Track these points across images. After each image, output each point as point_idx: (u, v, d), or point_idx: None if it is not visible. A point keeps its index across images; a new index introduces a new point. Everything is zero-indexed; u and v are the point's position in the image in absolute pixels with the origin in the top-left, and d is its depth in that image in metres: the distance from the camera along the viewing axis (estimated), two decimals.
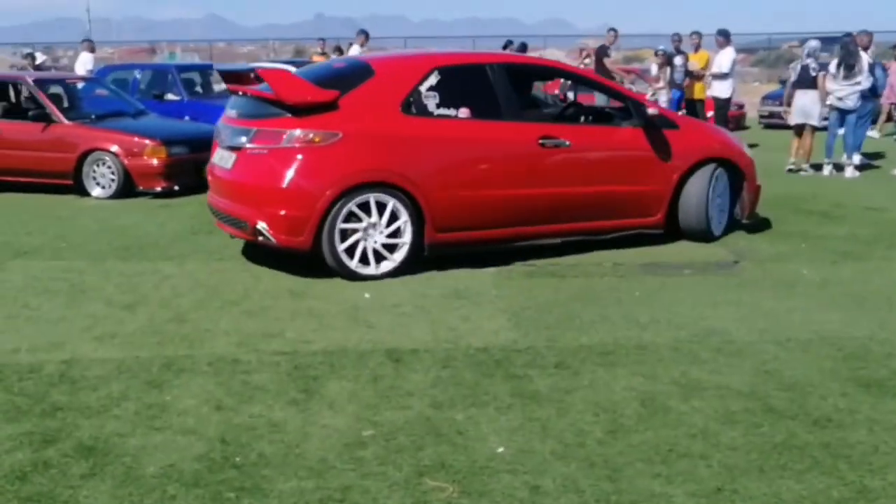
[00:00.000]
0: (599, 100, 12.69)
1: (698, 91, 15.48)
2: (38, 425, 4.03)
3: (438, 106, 6.75)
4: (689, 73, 15.38)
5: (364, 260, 6.51)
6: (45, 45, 40.42)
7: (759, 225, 8.52)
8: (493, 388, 4.45)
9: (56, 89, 12.39)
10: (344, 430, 3.96)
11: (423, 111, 6.70)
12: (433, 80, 6.76)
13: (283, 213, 6.40)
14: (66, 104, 12.14)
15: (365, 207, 6.44)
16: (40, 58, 20.78)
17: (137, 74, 16.41)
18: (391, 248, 6.58)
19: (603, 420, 4.06)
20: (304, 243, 6.43)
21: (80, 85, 13.24)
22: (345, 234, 6.44)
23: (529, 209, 6.99)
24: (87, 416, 4.13)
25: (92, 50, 18.83)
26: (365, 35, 18.38)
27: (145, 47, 53.12)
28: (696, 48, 15.95)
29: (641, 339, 5.20)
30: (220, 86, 16.77)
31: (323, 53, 21.16)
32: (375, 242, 6.52)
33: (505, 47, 21.00)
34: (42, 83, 11.97)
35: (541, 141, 6.97)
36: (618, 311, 5.74)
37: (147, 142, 10.89)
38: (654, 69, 16.04)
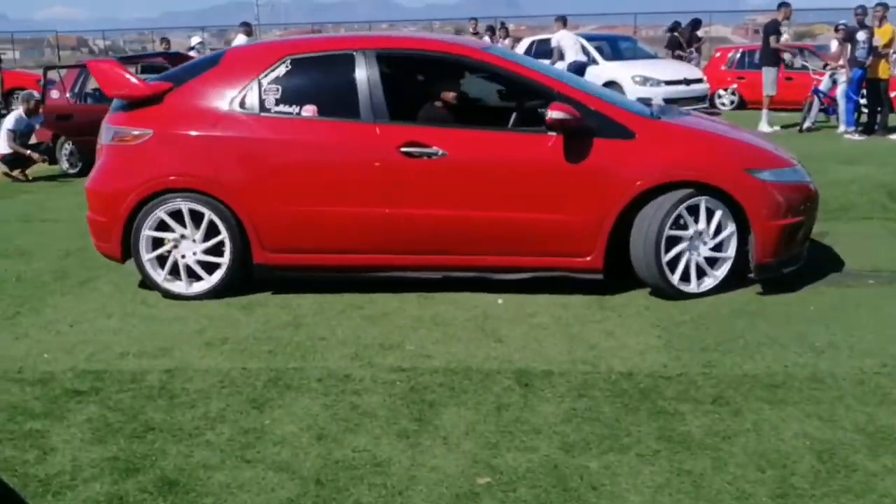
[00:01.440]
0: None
1: (882, 70, 14.01)
2: (124, 449, 3.66)
3: (279, 102, 5.61)
4: (872, 50, 13.94)
5: (179, 274, 5.72)
6: (220, 28, 41.70)
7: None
8: (636, 427, 3.78)
9: None
10: (456, 475, 3.39)
11: (261, 108, 5.62)
12: (281, 71, 5.66)
13: (91, 216, 5.88)
14: None
15: (180, 217, 5.66)
16: (195, 41, 21.13)
17: None
18: (212, 266, 5.72)
19: (770, 479, 3.32)
20: (111, 250, 5.82)
21: None
22: (159, 245, 5.71)
23: (389, 234, 5.52)
24: (178, 439, 3.74)
25: (249, 34, 19.00)
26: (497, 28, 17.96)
27: (310, 29, 54.15)
28: (881, 21, 14.44)
29: (817, 368, 4.39)
30: None
31: (475, 33, 20.64)
32: (187, 256, 5.69)
33: (673, 30, 19.90)
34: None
35: (403, 149, 5.42)
36: (788, 331, 4.92)
37: None
38: (833, 46, 14.65)
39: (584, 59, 16.16)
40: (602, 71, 17.43)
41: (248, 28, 19.12)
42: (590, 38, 19.04)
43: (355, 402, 4.07)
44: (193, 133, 5.63)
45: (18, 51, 48.12)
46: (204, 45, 21.74)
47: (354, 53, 5.65)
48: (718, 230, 5.46)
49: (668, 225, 5.34)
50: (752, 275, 5.55)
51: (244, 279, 5.77)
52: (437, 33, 26.25)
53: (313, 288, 5.84)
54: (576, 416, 3.88)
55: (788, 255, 5.60)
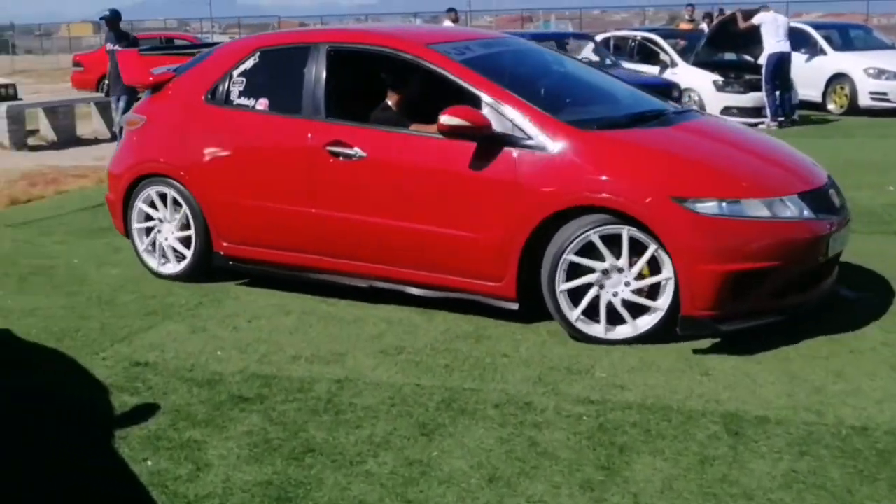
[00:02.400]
0: None
1: None
2: (280, 473, 3.35)
3: (241, 95, 5.65)
4: None
5: (165, 255, 6.01)
6: (433, 14, 42.02)
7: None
8: (873, 502, 3.09)
9: None
10: None
11: (225, 100, 5.71)
12: (250, 63, 5.71)
13: (107, 194, 6.35)
14: None
15: (164, 199, 5.92)
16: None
17: None
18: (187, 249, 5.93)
19: None
20: (118, 227, 6.26)
21: None
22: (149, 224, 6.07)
23: (317, 235, 5.32)
24: (338, 466, 3.39)
25: (455, 20, 18.84)
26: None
27: (521, 15, 53.97)
28: None
29: None
30: (580, 56, 15.94)
31: (691, 20, 19.55)
32: (166, 239, 5.96)
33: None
34: None
35: (328, 148, 5.18)
36: None
37: None
38: None
39: (785, 48, 14.22)
40: (830, 62, 16.02)
41: (454, 14, 18.93)
42: (816, 27, 17.52)
43: (535, 439, 3.59)
44: (170, 122, 5.92)
45: (245, 34, 50.61)
46: None
47: (310, 47, 5.53)
48: (657, 270, 4.48)
49: (569, 249, 4.53)
50: (679, 330, 4.47)
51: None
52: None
53: None
54: (796, 481, 3.22)
55: (739, 310, 4.45)
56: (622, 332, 4.60)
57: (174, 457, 3.51)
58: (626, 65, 15.21)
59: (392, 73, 5.50)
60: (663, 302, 4.48)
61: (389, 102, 5.52)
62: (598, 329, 4.61)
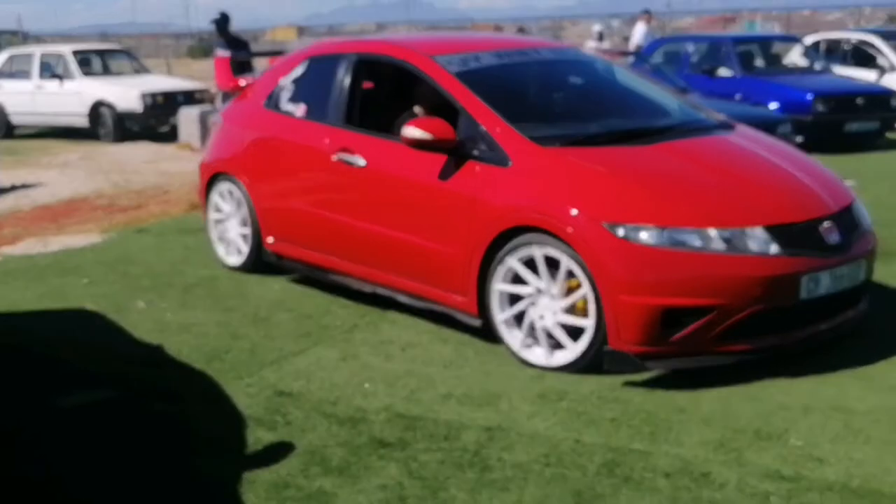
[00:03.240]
0: None
1: None
2: None
3: (288, 101, 5.98)
4: None
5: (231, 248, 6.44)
6: (631, 15, 40.97)
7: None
8: None
9: None
10: None
11: (276, 105, 6.07)
12: (299, 72, 6.04)
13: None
14: None
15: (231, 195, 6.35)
16: (595, 29, 20.57)
17: (690, 47, 15.15)
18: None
19: None
20: (204, 217, 6.73)
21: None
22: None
23: (331, 238, 5.56)
24: None
25: (648, 21, 18.09)
26: None
27: (723, 16, 51.88)
28: None
29: None
30: (786, 60, 14.85)
31: None
32: (232, 233, 6.35)
33: None
34: None
35: (337, 155, 5.38)
36: None
37: None
38: None
39: None
40: None
41: (648, 15, 18.16)
42: None
43: None
44: (237, 124, 6.35)
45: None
46: (604, 36, 21.09)
47: (341, 57, 5.73)
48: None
49: (501, 276, 4.52)
50: (605, 365, 4.23)
51: None
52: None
53: None
54: None
55: (680, 349, 4.13)
56: (560, 358, 4.41)
57: None
58: (838, 70, 13.98)
59: (405, 83, 5.57)
60: (588, 321, 4.27)
61: (416, 111, 5.48)
62: (536, 356, 4.49)
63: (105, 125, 14.83)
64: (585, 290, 4.24)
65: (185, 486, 3.40)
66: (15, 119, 16.20)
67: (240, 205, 6.19)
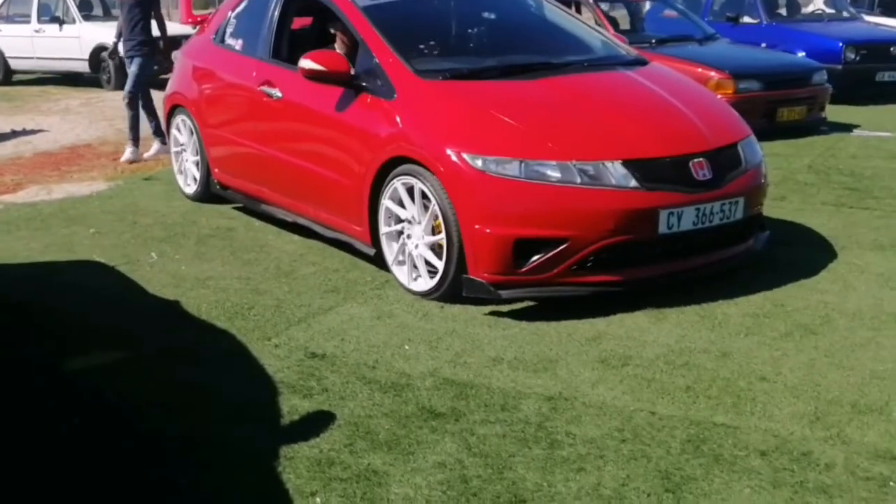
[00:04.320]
0: None
1: None
2: None
3: (230, 35, 6.08)
4: None
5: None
6: None
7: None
8: None
9: (619, 9, 11.16)
10: None
11: (221, 40, 6.16)
12: (243, 6, 6.09)
13: None
14: (628, 25, 10.87)
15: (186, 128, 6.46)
16: None
17: None
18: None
19: None
20: None
21: (646, 5, 11.86)
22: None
23: (260, 169, 5.63)
24: None
25: None
26: None
27: None
28: None
29: None
30: (808, 8, 14.32)
31: None
32: (187, 163, 6.48)
33: None
34: (602, 1, 10.81)
35: (260, 87, 5.46)
36: None
37: (712, 73, 9.05)
38: None
39: None
40: None
41: None
42: None
43: None
44: (191, 59, 6.43)
45: None
46: None
47: None
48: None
49: (388, 195, 4.58)
50: (465, 292, 4.30)
51: None
52: None
53: (753, 285, 4.45)
54: None
55: (526, 279, 4.19)
56: (420, 284, 4.52)
57: (348, 493, 2.78)
58: (869, 18, 13.43)
59: (323, 18, 5.56)
60: (443, 264, 4.35)
61: (336, 47, 5.40)
62: (404, 279, 4.59)
63: (107, 71, 14.26)
64: (443, 228, 4.30)
65: (213, 460, 3.00)
66: (13, 64, 15.63)
67: (191, 134, 6.32)
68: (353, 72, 4.84)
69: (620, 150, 4.27)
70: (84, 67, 14.52)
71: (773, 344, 3.83)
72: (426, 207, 4.41)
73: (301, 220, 5.40)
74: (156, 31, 8.30)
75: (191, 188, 6.48)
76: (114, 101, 12.61)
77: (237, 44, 6.00)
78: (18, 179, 7.48)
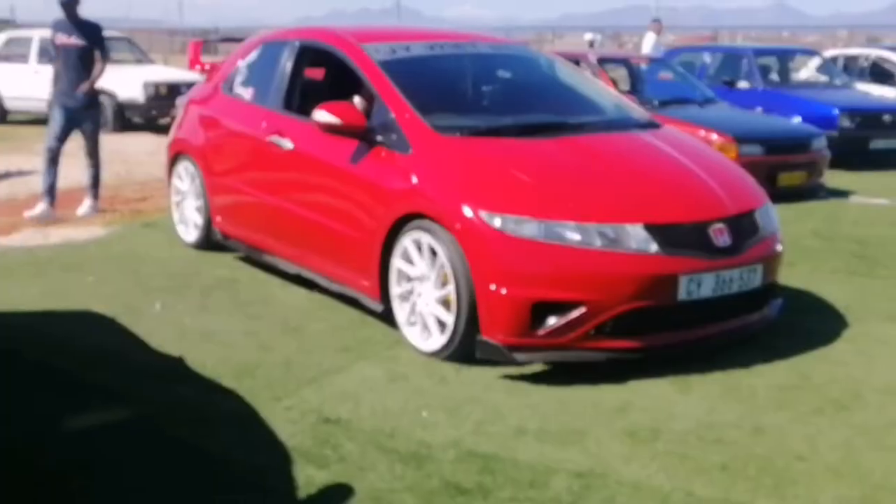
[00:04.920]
0: None
1: None
2: None
3: (241, 85, 6.07)
4: None
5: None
6: (614, 29, 40.52)
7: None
8: None
9: (617, 69, 11.23)
10: None
11: (230, 88, 6.15)
12: (253, 56, 6.13)
13: None
14: (627, 86, 10.90)
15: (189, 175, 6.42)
16: (587, 37, 20.32)
17: (707, 58, 14.74)
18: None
19: None
20: None
21: (644, 66, 11.90)
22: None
23: (265, 219, 5.59)
24: None
25: (658, 31, 17.60)
26: None
27: (707, 35, 51.57)
28: None
29: None
30: (801, 74, 14.49)
31: None
32: (188, 210, 6.40)
33: None
34: (604, 61, 10.87)
35: (270, 138, 5.42)
36: None
37: (715, 136, 9.04)
38: None
39: None
40: None
41: (657, 24, 17.63)
42: None
43: None
44: (199, 106, 6.36)
45: None
46: (594, 44, 20.86)
47: (289, 44, 5.75)
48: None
49: (399, 254, 4.50)
50: (478, 353, 4.17)
51: None
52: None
53: (775, 355, 4.33)
54: None
55: (542, 342, 4.06)
56: (433, 343, 4.36)
57: None
58: (859, 86, 13.56)
59: (349, 73, 5.37)
60: (453, 320, 4.22)
61: (356, 101, 5.36)
62: (416, 340, 4.45)
63: (104, 114, 14.11)
64: (451, 282, 4.19)
65: None
66: (10, 104, 15.50)
67: (193, 179, 6.24)
68: (367, 125, 4.80)
69: (641, 214, 4.18)
70: None
71: (806, 420, 3.70)
72: (433, 261, 4.33)
73: (305, 273, 5.29)
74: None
75: (192, 235, 6.36)
76: (110, 144, 12.43)
77: (247, 93, 5.97)
78: (14, 221, 7.28)
